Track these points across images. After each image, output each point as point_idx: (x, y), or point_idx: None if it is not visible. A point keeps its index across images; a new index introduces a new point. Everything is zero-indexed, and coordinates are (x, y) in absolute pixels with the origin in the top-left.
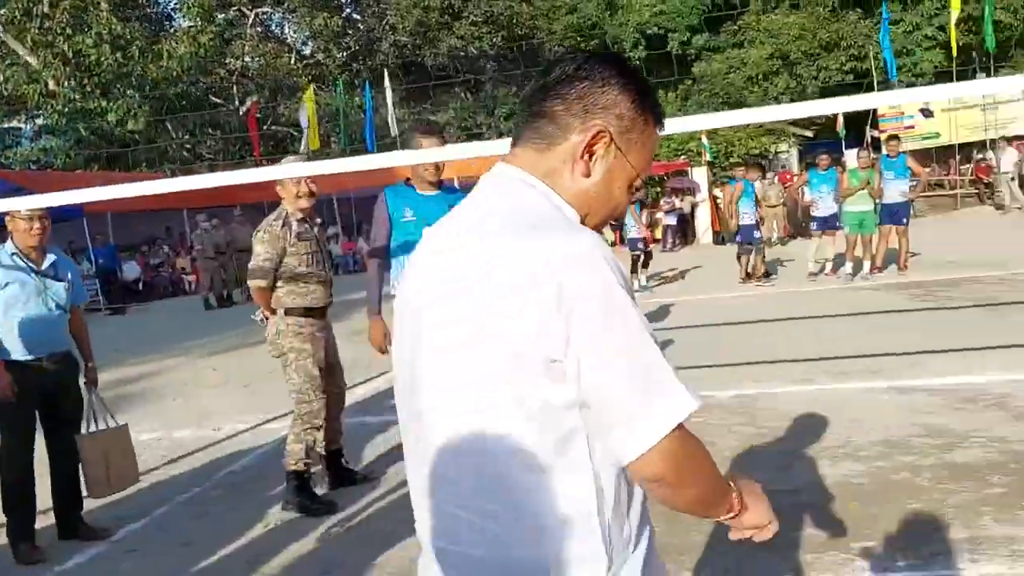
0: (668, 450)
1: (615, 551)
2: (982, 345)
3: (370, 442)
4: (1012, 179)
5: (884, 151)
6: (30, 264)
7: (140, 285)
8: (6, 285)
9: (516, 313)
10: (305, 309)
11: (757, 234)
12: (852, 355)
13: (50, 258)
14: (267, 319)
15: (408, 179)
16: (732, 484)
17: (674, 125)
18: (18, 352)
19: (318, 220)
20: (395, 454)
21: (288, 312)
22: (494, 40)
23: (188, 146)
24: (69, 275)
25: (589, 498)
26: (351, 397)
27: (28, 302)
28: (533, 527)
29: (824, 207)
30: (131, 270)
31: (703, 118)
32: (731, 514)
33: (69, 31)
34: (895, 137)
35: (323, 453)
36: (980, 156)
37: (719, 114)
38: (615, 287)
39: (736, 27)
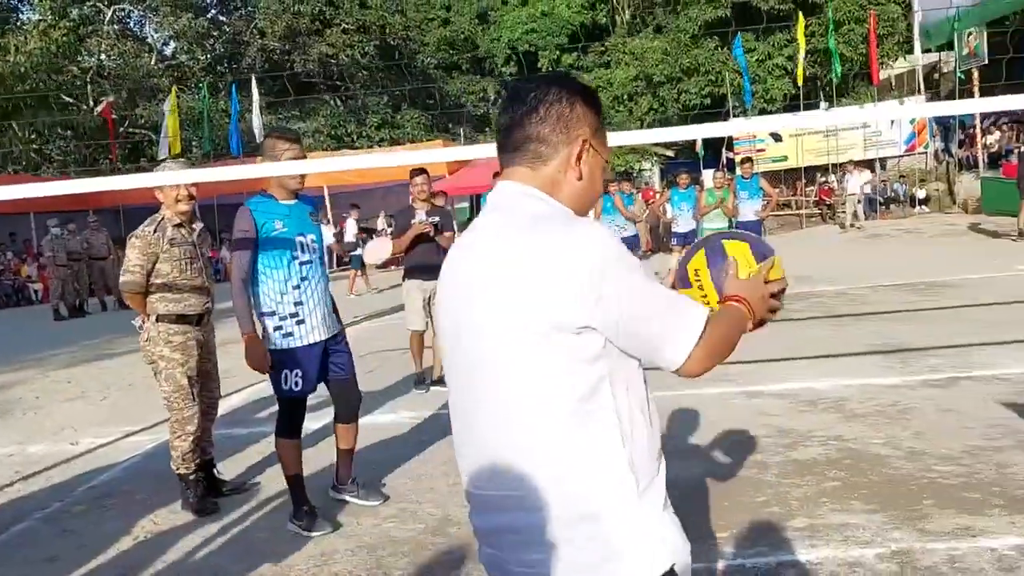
0: (704, 346)
1: (640, 475)
2: (823, 354)
3: (241, 453)
4: (859, 201)
5: (739, 172)
6: None
7: None
8: None
9: (554, 287)
10: (178, 316)
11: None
12: None
13: None
14: (143, 324)
15: (264, 189)
16: (741, 305)
17: None
18: None
19: (198, 225)
20: (265, 465)
21: (160, 319)
22: (366, 49)
23: (36, 147)
24: None
25: (615, 434)
26: (223, 407)
27: None
28: (571, 463)
29: (684, 223)
30: None
31: None
32: (752, 327)
33: None
34: (749, 159)
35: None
36: (823, 179)
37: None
38: (624, 252)
39: (603, 48)
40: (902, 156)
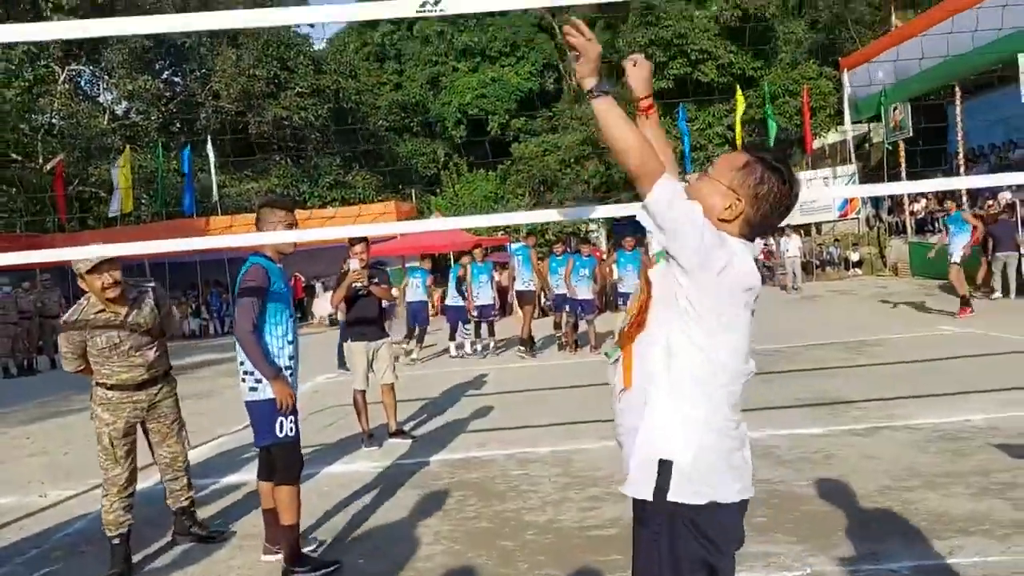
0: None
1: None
2: (756, 407)
3: (214, 502)
4: (798, 263)
5: None
6: None
7: None
8: None
9: None
10: (111, 385)
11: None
12: None
13: None
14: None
15: (257, 251)
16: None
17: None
18: None
19: (132, 297)
20: (239, 511)
21: (98, 384)
22: (319, 111)
23: None
24: None
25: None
26: (194, 456)
27: None
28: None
29: (630, 283)
30: None
31: (476, 219)
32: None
33: None
34: None
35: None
36: (764, 242)
37: (488, 216)
38: None
39: (551, 113)
40: (836, 221)
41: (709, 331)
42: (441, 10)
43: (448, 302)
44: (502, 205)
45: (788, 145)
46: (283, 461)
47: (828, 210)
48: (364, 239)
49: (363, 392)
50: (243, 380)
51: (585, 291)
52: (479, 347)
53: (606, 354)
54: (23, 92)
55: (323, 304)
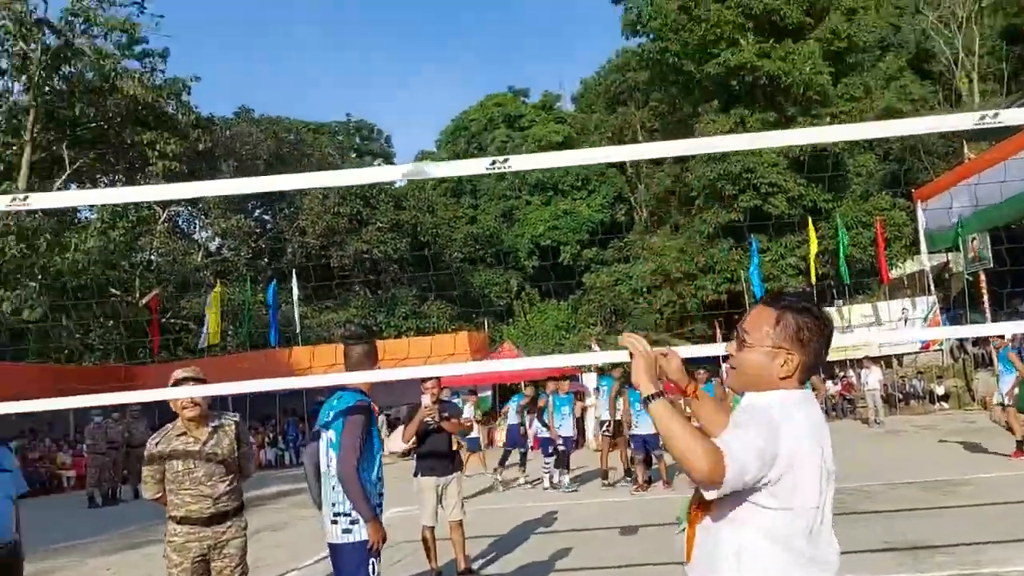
0: None
1: None
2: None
3: None
4: (879, 395)
5: None
6: None
7: None
8: None
9: None
10: (181, 518)
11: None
12: None
13: None
14: None
15: (353, 386)
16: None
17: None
18: None
19: (214, 425)
20: None
21: (169, 518)
22: (398, 245)
23: (78, 335)
24: (10, 466)
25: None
26: None
27: None
28: None
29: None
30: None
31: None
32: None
33: None
34: None
35: None
36: (842, 374)
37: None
38: None
39: (622, 244)
40: (918, 353)
41: (783, 522)
42: (509, 167)
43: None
44: (574, 334)
45: (809, 293)
46: None
47: (910, 342)
48: (436, 376)
49: (432, 528)
50: (334, 521)
51: (648, 425)
52: (565, 480)
53: (677, 518)
54: (127, 232)
55: (394, 438)
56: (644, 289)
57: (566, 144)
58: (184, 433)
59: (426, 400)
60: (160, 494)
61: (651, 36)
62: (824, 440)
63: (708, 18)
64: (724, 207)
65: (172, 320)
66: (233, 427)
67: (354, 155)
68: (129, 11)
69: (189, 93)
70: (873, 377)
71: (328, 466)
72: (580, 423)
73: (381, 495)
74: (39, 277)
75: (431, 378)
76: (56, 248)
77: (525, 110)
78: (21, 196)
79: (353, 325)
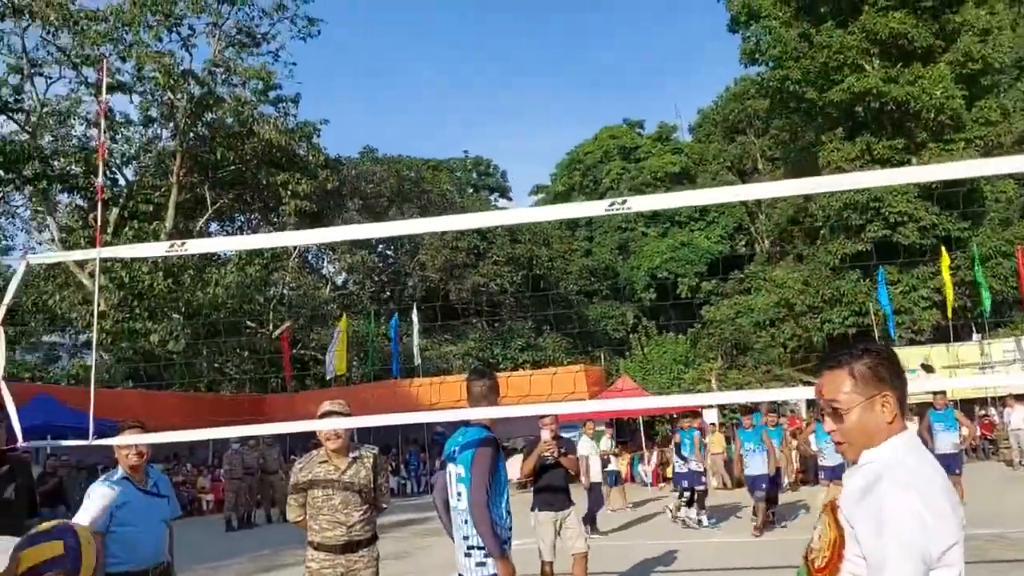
0: None
1: None
2: None
3: None
4: (1023, 434)
5: (933, 403)
6: (136, 484)
7: None
8: (121, 505)
9: None
10: (318, 544)
11: (763, 485)
12: None
13: (152, 478)
14: None
15: (480, 422)
16: None
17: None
18: (128, 564)
19: (353, 456)
20: None
21: (307, 541)
22: (514, 278)
23: (216, 365)
24: (168, 492)
25: None
26: None
27: (137, 519)
28: None
29: (831, 457)
30: None
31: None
32: None
33: (128, 259)
34: (943, 392)
35: None
36: (983, 412)
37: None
38: None
39: (743, 275)
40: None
41: None
42: (628, 208)
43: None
44: (693, 368)
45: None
46: None
47: None
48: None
49: (550, 563)
50: (467, 554)
51: (757, 466)
52: (703, 517)
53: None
54: (262, 268)
55: (512, 469)
56: (767, 322)
57: (683, 175)
58: (326, 461)
59: (545, 436)
60: (301, 518)
61: (770, 64)
62: (948, 484)
63: (830, 44)
64: (850, 237)
65: (302, 351)
66: (371, 459)
67: (471, 190)
68: (264, 59)
69: (319, 135)
70: (1017, 416)
71: (457, 500)
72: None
73: (510, 529)
74: (183, 311)
75: (550, 414)
76: (199, 283)
77: (640, 141)
78: (179, 243)
79: (477, 362)
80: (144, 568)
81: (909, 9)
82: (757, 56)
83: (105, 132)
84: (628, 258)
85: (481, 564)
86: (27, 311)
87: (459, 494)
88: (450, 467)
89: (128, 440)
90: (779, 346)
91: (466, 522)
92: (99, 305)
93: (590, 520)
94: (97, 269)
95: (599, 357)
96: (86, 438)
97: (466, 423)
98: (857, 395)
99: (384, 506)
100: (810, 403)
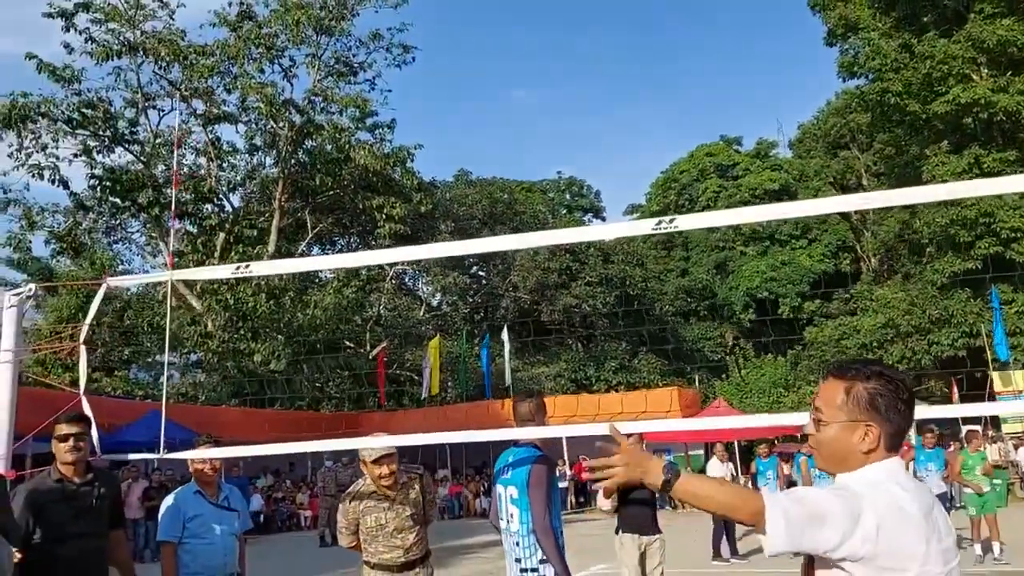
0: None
1: None
2: None
3: None
4: None
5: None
6: (208, 498)
7: (261, 517)
8: (193, 517)
9: None
10: (374, 564)
11: None
12: None
13: (224, 492)
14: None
15: (532, 443)
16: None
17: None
18: (198, 573)
19: (402, 481)
20: None
21: (363, 562)
22: (607, 299)
23: (318, 385)
24: (239, 506)
25: None
26: None
27: (207, 531)
28: None
29: (931, 484)
30: (255, 502)
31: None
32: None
33: (233, 281)
34: (932, 430)
35: None
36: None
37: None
38: None
39: (848, 296)
40: None
41: None
42: (676, 227)
43: None
44: (793, 391)
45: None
46: None
47: None
48: (639, 432)
49: None
50: None
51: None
52: None
53: None
54: (358, 290)
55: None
56: (874, 344)
57: (782, 192)
58: (375, 492)
59: None
60: (355, 543)
61: (870, 77)
62: (932, 511)
63: (933, 54)
64: (959, 255)
65: (398, 372)
66: (418, 480)
67: (564, 211)
68: (361, 87)
69: (413, 160)
70: None
71: (509, 522)
72: (794, 484)
73: (563, 546)
74: (284, 331)
75: (632, 434)
76: (299, 305)
77: (738, 159)
78: (244, 265)
79: (570, 383)
80: None
81: (1019, 16)
82: (856, 69)
83: (213, 160)
84: (726, 278)
85: None
86: (143, 331)
87: (512, 515)
88: (499, 488)
89: (195, 454)
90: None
91: (518, 544)
92: (172, 323)
93: (715, 546)
94: (169, 291)
95: (695, 379)
96: (178, 451)
97: (515, 443)
98: (841, 414)
99: (430, 521)
100: (917, 426)
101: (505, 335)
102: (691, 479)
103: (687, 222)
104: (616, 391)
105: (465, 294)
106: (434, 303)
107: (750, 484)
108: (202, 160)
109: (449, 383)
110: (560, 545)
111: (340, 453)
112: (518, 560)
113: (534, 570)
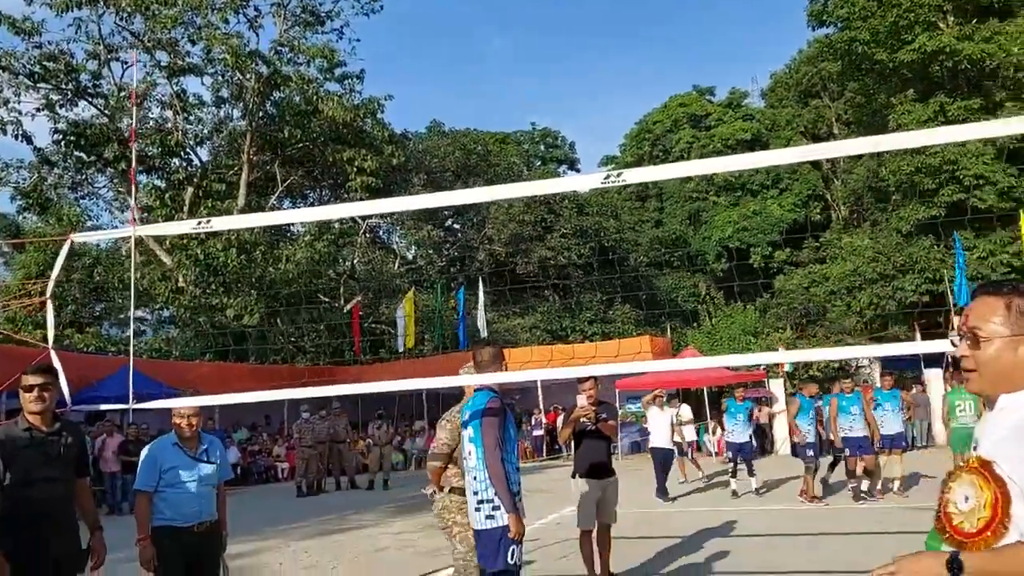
0: None
1: None
2: None
3: None
4: None
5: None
6: (186, 451)
7: (238, 470)
8: (169, 468)
9: None
10: (460, 489)
11: (810, 452)
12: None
13: (204, 444)
14: (436, 493)
15: (485, 387)
16: None
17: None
18: (173, 520)
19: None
20: None
21: (452, 490)
22: (582, 251)
23: (293, 339)
24: (219, 457)
25: None
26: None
27: (182, 481)
28: None
29: (889, 425)
30: (232, 455)
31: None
32: None
33: (203, 236)
34: (890, 372)
35: None
36: None
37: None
38: None
39: (818, 244)
40: None
41: None
42: (624, 180)
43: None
44: (762, 339)
45: None
46: None
47: None
48: (592, 377)
49: (589, 532)
50: (477, 508)
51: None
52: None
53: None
54: (331, 244)
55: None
56: (843, 291)
57: (755, 141)
58: None
59: (581, 401)
60: (444, 462)
61: (839, 25)
62: None
63: (900, 2)
64: (923, 202)
65: (373, 324)
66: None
67: (539, 163)
68: (328, 37)
69: (383, 111)
70: None
71: (467, 459)
72: (763, 430)
73: (519, 484)
74: (256, 286)
75: (588, 378)
76: (271, 259)
77: (711, 109)
78: (205, 220)
79: (546, 334)
80: (188, 525)
81: None
82: (825, 17)
83: (179, 113)
84: (699, 228)
85: (490, 517)
86: (113, 288)
87: (469, 453)
88: (463, 431)
89: (164, 404)
90: (855, 314)
91: (475, 478)
92: (143, 279)
93: (661, 486)
94: (133, 246)
95: (666, 328)
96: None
97: (477, 389)
98: (1005, 329)
99: None
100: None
101: (480, 288)
102: (982, 561)
103: (635, 175)
104: (591, 341)
105: (440, 247)
106: (409, 256)
107: (719, 427)
108: (168, 113)
109: (426, 336)
110: (511, 480)
111: (319, 405)
112: (475, 493)
113: (489, 501)
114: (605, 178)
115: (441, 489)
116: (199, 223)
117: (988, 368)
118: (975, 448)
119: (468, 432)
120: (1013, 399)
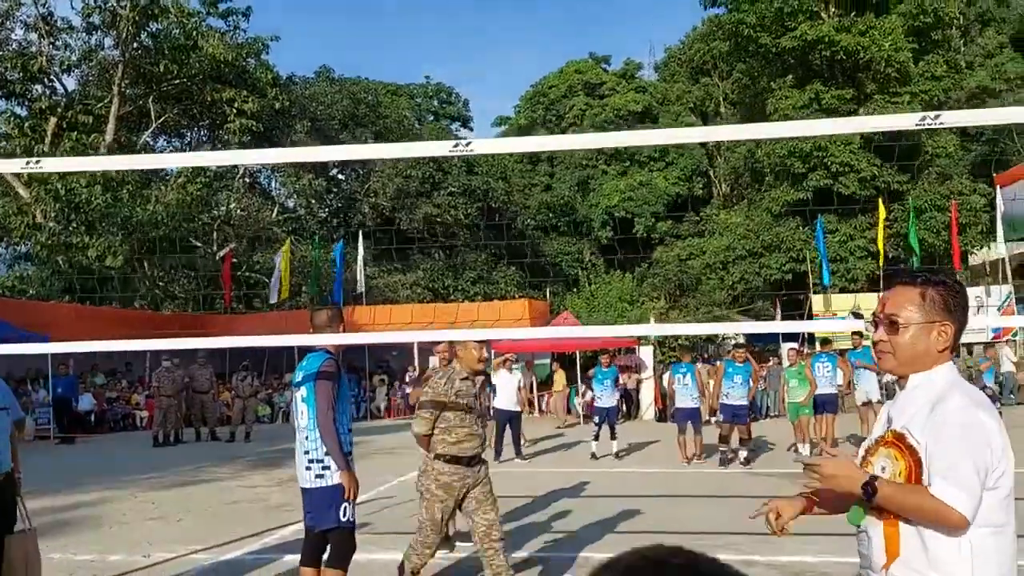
0: None
1: None
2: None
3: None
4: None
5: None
6: None
7: (92, 417)
8: None
9: None
10: (452, 457)
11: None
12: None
13: None
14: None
15: (322, 348)
16: None
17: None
18: None
19: (482, 377)
20: None
21: (436, 457)
22: (469, 211)
23: (161, 284)
24: (5, 400)
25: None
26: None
27: None
28: None
29: (734, 396)
30: (85, 401)
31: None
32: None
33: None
34: (859, 333)
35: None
36: None
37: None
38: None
39: (698, 218)
40: (990, 343)
41: (996, 503)
42: (471, 150)
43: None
44: (637, 307)
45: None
46: (342, 546)
47: (982, 331)
48: (449, 340)
49: None
50: (308, 468)
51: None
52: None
53: (848, 519)
54: (204, 187)
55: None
56: (718, 264)
57: (645, 114)
58: (467, 378)
59: (434, 363)
60: (430, 432)
61: (728, 7)
62: None
63: None
64: (793, 185)
65: (247, 274)
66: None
67: (432, 119)
68: None
69: (268, 52)
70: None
71: (298, 419)
72: (630, 395)
73: (351, 443)
74: (123, 226)
75: (442, 342)
76: (138, 200)
77: (606, 78)
78: (35, 160)
79: (427, 292)
80: None
81: None
82: None
83: (45, 37)
84: (588, 195)
85: (320, 476)
86: None
87: (301, 412)
88: (295, 391)
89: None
90: (727, 287)
91: (307, 438)
92: None
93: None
94: None
95: (546, 292)
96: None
97: (311, 349)
98: (919, 316)
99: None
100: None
101: (360, 242)
102: (894, 489)
103: (483, 146)
104: (473, 302)
105: (322, 197)
106: (289, 205)
107: (588, 391)
108: (33, 36)
109: (303, 288)
110: (342, 440)
111: (176, 353)
112: (306, 452)
113: (319, 461)
114: (455, 145)
115: (428, 454)
116: (27, 163)
117: (904, 351)
118: (890, 423)
119: (301, 392)
120: (925, 376)
